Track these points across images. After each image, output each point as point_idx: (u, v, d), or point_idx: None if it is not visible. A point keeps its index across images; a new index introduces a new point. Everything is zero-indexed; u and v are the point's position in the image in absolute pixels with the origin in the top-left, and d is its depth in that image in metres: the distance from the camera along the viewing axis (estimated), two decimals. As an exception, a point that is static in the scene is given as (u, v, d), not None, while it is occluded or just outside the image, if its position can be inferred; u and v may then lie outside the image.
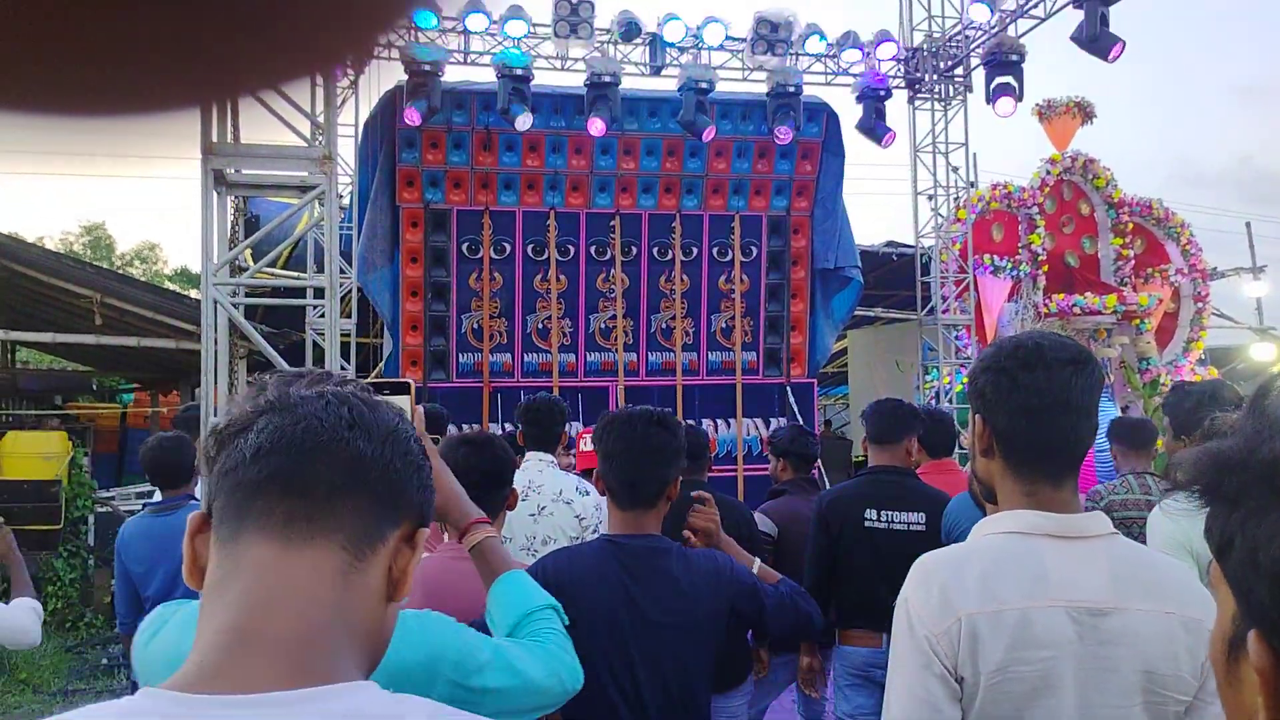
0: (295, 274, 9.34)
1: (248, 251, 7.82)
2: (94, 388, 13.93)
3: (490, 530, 1.68)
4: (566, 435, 4.35)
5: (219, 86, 0.48)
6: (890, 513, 3.68)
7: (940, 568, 1.51)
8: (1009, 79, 8.51)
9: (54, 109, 0.44)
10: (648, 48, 8.85)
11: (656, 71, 8.90)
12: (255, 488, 0.85)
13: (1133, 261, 12.34)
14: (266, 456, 0.86)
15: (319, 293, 8.00)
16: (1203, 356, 12.93)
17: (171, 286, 23.76)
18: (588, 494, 3.58)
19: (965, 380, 10.76)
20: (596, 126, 8.29)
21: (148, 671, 1.37)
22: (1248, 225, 20.07)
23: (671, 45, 8.77)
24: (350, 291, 9.25)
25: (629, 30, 8.58)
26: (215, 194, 5.20)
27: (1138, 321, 12.00)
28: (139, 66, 0.43)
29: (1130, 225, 12.36)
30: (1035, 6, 8.37)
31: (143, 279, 20.89)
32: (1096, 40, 7.35)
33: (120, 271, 21.62)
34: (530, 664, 1.47)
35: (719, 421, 9.55)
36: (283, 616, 0.82)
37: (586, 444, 4.42)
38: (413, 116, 8.04)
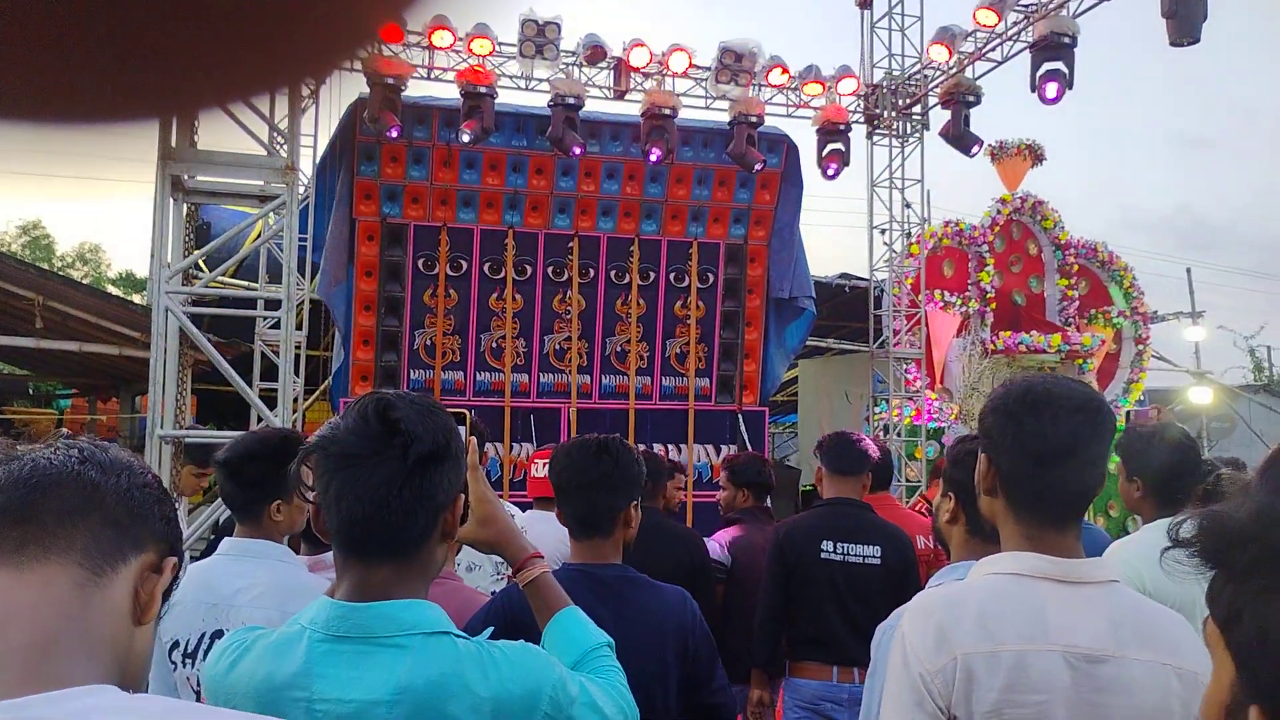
0: (246, 284, 9.19)
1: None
2: (30, 392, 13.55)
3: (544, 566, 1.67)
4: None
5: (181, 97, 0.47)
6: (847, 545, 3.70)
7: (938, 606, 1.50)
8: (959, 114, 8.70)
9: (12, 114, 0.43)
10: (612, 72, 8.88)
11: (620, 96, 8.93)
12: None
13: (1077, 302, 12.64)
14: None
15: (270, 304, 7.88)
16: (1141, 398, 13.24)
17: (114, 290, 23.20)
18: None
19: (935, 425, 10.93)
20: (576, 150, 8.29)
21: (230, 700, 1.35)
22: (1188, 271, 20.65)
23: (636, 70, 8.81)
24: (302, 303, 9.12)
25: (594, 54, 8.60)
26: (172, 200, 5.10)
27: (1080, 361, 12.26)
28: (101, 75, 0.42)
29: (1076, 267, 12.67)
30: (992, 50, 8.56)
31: (85, 282, 20.40)
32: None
33: (62, 274, 21.07)
34: (605, 700, 1.50)
35: (670, 447, 9.54)
36: (15, 630, 0.85)
37: (539, 469, 4.32)
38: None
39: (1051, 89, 7.33)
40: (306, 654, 1.32)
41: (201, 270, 7.56)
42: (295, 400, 6.79)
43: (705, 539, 4.25)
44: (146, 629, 0.95)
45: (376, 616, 1.32)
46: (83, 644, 0.87)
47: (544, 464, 4.32)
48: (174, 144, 4.96)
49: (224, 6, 0.41)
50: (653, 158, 8.56)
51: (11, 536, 0.89)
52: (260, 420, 5.78)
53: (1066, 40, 7.38)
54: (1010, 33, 8.28)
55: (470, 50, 8.35)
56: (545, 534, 3.30)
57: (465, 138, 8.12)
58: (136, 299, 18.84)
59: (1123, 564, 2.67)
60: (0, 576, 0.88)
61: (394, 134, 8.08)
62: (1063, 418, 1.50)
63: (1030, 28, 7.92)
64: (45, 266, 19.66)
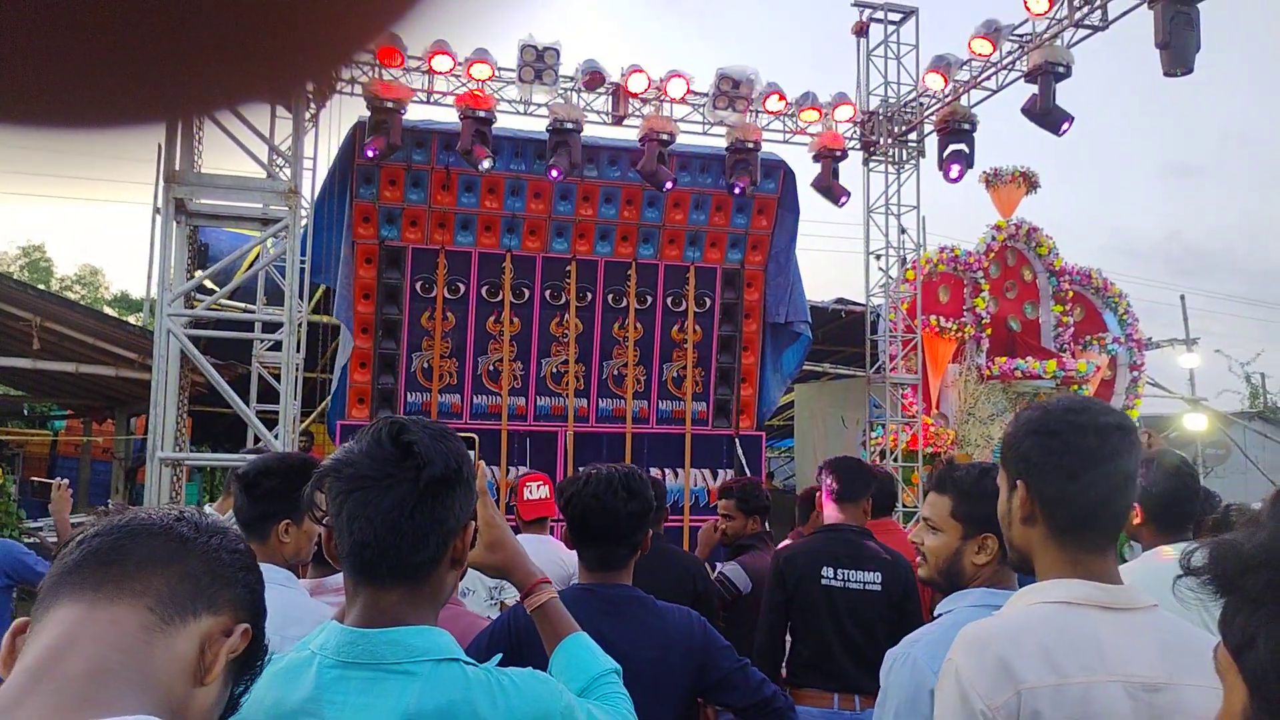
0: (244, 305, 9.19)
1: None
2: (25, 413, 13.50)
3: (553, 592, 1.68)
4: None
5: (181, 104, 0.48)
6: (847, 571, 3.69)
7: (996, 637, 1.45)
8: (961, 146, 8.75)
9: (13, 120, 0.43)
10: (610, 97, 8.95)
11: (618, 121, 8.99)
12: (75, 565, 0.94)
13: (1072, 329, 12.67)
14: (90, 540, 0.96)
15: (268, 326, 7.88)
16: (1137, 424, 13.25)
17: (110, 312, 23.17)
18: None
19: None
20: (555, 172, 8.33)
21: None
22: (1182, 298, 20.75)
23: (634, 96, 8.87)
24: (300, 325, 9.12)
25: (593, 79, 8.67)
26: (175, 223, 5.11)
27: (1076, 387, 12.27)
28: (102, 80, 0.42)
29: (1070, 293, 12.72)
30: (988, 79, 8.63)
31: (82, 304, 20.36)
32: (1049, 114, 7.59)
33: (60, 295, 21.05)
34: None
35: (667, 471, 9.53)
36: (75, 657, 0.87)
37: (532, 492, 4.29)
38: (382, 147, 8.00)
39: (1064, 125, 7.39)
40: (316, 679, 1.32)
41: (201, 292, 7.56)
42: (294, 421, 6.78)
43: (730, 563, 4.25)
44: (208, 692, 0.96)
45: (387, 643, 1.32)
46: (137, 681, 0.89)
47: (537, 486, 4.32)
48: (177, 167, 4.98)
49: (217, 9, 0.42)
50: (667, 187, 8.60)
51: (95, 575, 0.93)
52: (258, 441, 5.77)
53: (1061, 70, 7.45)
54: (1005, 61, 8.36)
55: (470, 75, 8.41)
56: (540, 558, 3.29)
57: (485, 165, 8.15)
58: (131, 320, 18.82)
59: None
60: (75, 609, 0.91)
61: (391, 156, 8.11)
62: (1106, 434, 1.49)
63: (1024, 57, 8.00)
64: (43, 289, 19.64)
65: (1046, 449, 1.52)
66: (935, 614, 2.06)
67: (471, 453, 1.54)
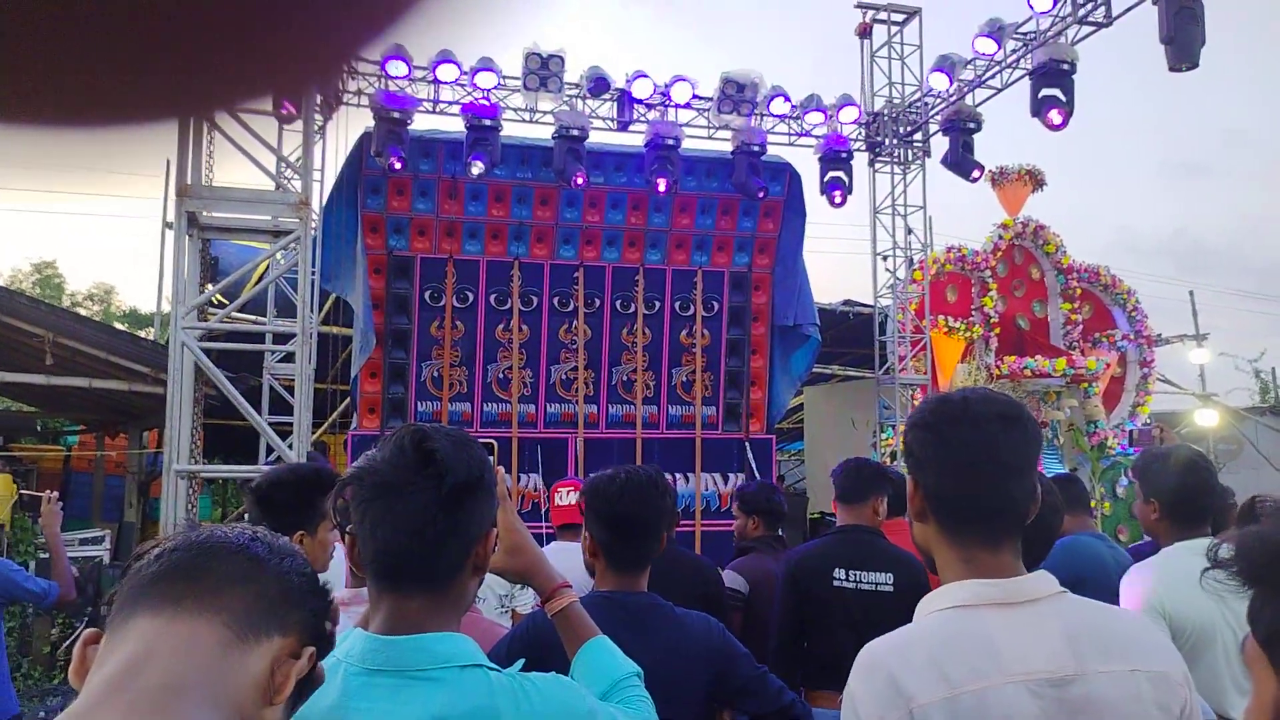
0: (254, 318, 9.23)
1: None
2: (38, 429, 13.57)
3: (574, 596, 1.69)
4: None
5: (188, 100, 0.48)
6: (859, 572, 3.69)
7: (885, 655, 1.40)
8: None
9: (25, 117, 0.44)
10: (615, 103, 8.97)
11: (624, 127, 9.02)
12: (154, 579, 0.96)
13: (1081, 326, 12.65)
14: (169, 555, 0.97)
15: (279, 337, 7.92)
16: (1148, 421, 13.22)
17: (120, 327, 23.28)
18: None
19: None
20: (580, 179, 8.35)
21: None
22: (1190, 294, 20.68)
23: (639, 102, 8.90)
24: (311, 336, 9.16)
25: (598, 86, 8.70)
26: (188, 236, 5.15)
27: (1086, 385, 12.25)
28: (109, 77, 0.43)
29: (1079, 291, 12.69)
30: (992, 78, 8.64)
31: (95, 320, 20.46)
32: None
33: (72, 311, 21.18)
34: None
35: (678, 476, 9.53)
36: (153, 670, 0.89)
37: (563, 498, 4.34)
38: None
39: (1056, 116, 7.39)
40: (343, 686, 1.33)
41: (213, 305, 7.60)
42: (308, 431, 6.80)
43: (727, 569, 4.25)
44: (274, 712, 0.98)
45: (411, 649, 1.33)
46: (211, 697, 0.91)
47: (568, 493, 4.34)
48: (189, 180, 5.02)
49: (222, 4, 0.42)
50: (661, 189, 8.63)
51: (175, 590, 0.95)
52: (271, 452, 5.80)
53: (1065, 67, 7.45)
54: (1009, 60, 8.37)
55: (475, 84, 8.45)
56: (573, 568, 3.30)
57: (475, 171, 8.19)
58: (143, 334, 18.91)
59: (1142, 586, 2.68)
60: (155, 622, 0.93)
61: (398, 166, 8.15)
62: (982, 425, 1.43)
63: (1029, 55, 8.00)
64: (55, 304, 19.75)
65: (925, 442, 1.48)
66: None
67: (491, 459, 1.55)
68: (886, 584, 3.70)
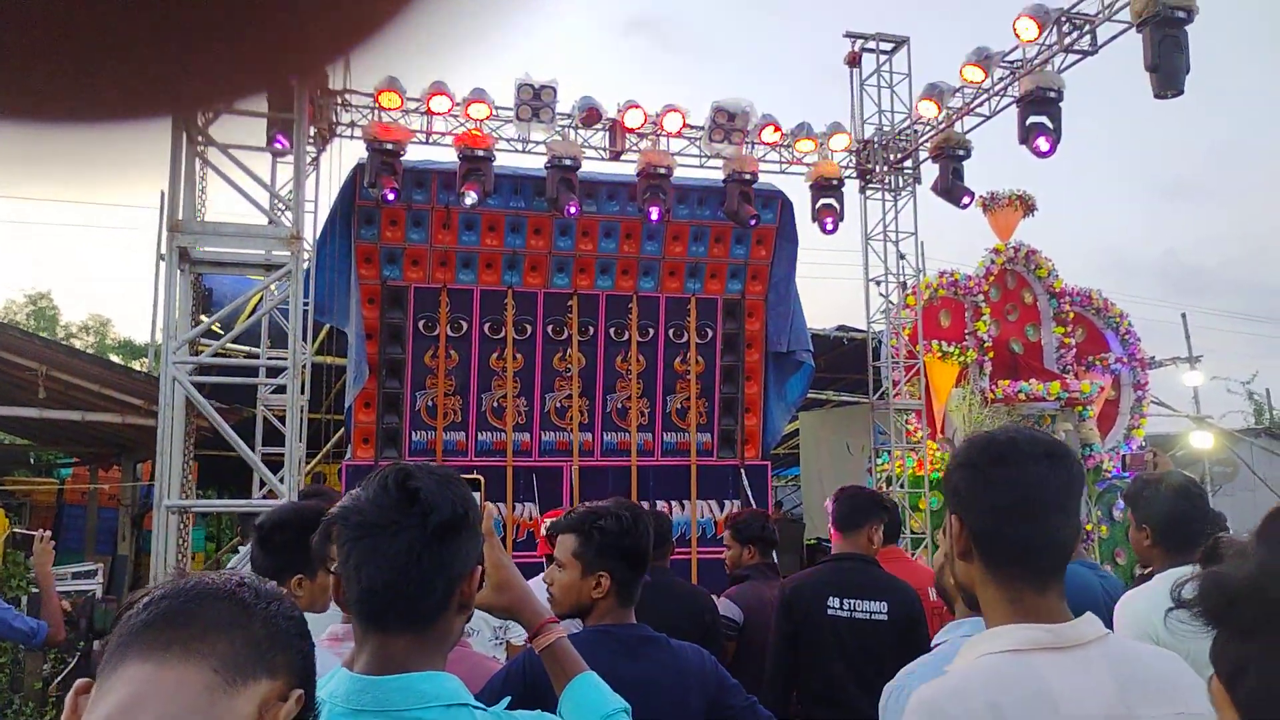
0: (248, 349, 9.23)
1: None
2: (31, 461, 13.51)
3: (561, 631, 1.70)
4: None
5: (176, 98, 0.48)
6: (853, 601, 3.69)
7: (945, 700, 1.40)
8: (954, 168, 8.85)
9: (15, 113, 0.44)
10: (607, 133, 9.03)
11: (616, 156, 9.07)
12: (143, 626, 0.97)
13: (1074, 350, 12.69)
14: (158, 603, 0.99)
15: (272, 370, 7.92)
16: (1142, 444, 13.24)
17: (114, 358, 23.26)
18: None
19: (939, 475, 10.86)
20: (572, 208, 8.39)
21: None
22: (1183, 316, 20.74)
23: (631, 131, 8.96)
24: (304, 367, 9.16)
25: (589, 116, 8.75)
26: (179, 271, 5.16)
27: (1080, 408, 12.27)
28: (97, 74, 0.43)
29: (1071, 314, 12.75)
30: (980, 105, 8.71)
31: (89, 351, 20.47)
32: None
33: (66, 344, 21.17)
34: None
35: (673, 503, 9.51)
36: (145, 715, 0.90)
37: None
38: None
39: (1043, 143, 7.45)
40: None
41: (207, 337, 7.61)
42: (300, 463, 6.80)
43: (716, 597, 4.24)
44: None
45: (396, 689, 1.33)
46: None
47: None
48: (180, 215, 5.04)
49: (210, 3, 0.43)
50: (653, 216, 8.67)
51: (163, 637, 0.96)
52: (264, 485, 5.78)
53: (1052, 95, 7.52)
54: (997, 88, 8.44)
55: (467, 114, 8.50)
56: None
57: (469, 200, 8.23)
58: (137, 365, 18.89)
59: (1135, 615, 2.68)
60: (145, 668, 0.95)
61: (391, 197, 8.19)
62: (1029, 465, 1.44)
63: (1016, 83, 8.07)
64: (49, 336, 19.74)
65: (970, 482, 1.48)
66: (933, 644, 2.07)
67: (477, 494, 1.55)
68: (881, 613, 3.69)
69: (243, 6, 0.43)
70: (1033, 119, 7.51)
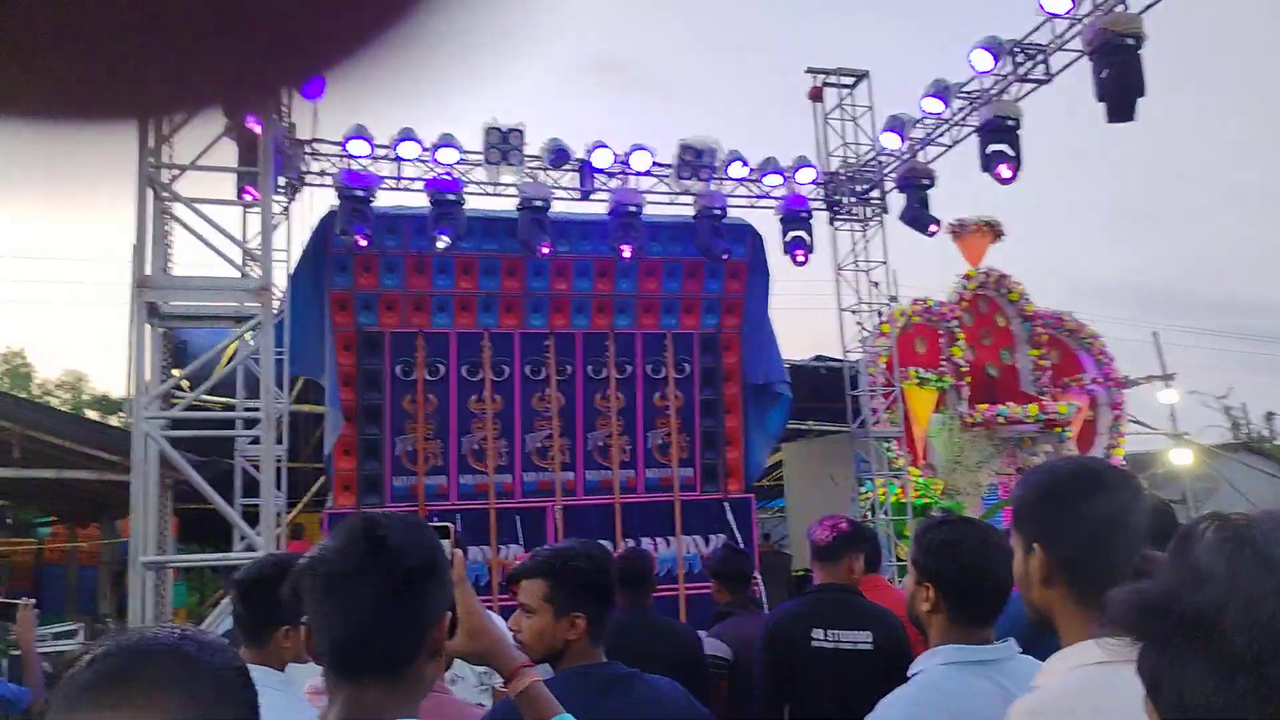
0: (223, 400, 9.19)
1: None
2: (8, 521, 13.34)
3: (536, 675, 1.69)
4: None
5: (147, 102, 0.49)
6: (837, 632, 3.68)
7: (1052, 707, 1.46)
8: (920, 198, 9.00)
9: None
10: (577, 173, 9.11)
11: (586, 196, 9.14)
12: (87, 686, 0.96)
13: (1050, 371, 12.80)
14: (101, 661, 0.98)
15: (249, 421, 7.88)
16: (1123, 463, 13.34)
17: (90, 414, 23.05)
18: None
19: (922, 502, 10.85)
20: (545, 249, 8.44)
21: None
22: (1155, 335, 20.96)
23: (600, 171, 9.04)
24: (281, 417, 9.12)
25: (558, 157, 8.84)
26: (148, 326, 5.16)
27: (1059, 430, 12.37)
28: (76, 73, 0.44)
29: (1045, 337, 12.88)
30: (941, 136, 8.86)
31: (64, 408, 20.28)
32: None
33: (40, 401, 20.95)
34: None
35: (658, 540, 9.49)
36: None
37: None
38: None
39: (1005, 170, 7.58)
40: None
41: (181, 390, 7.57)
42: (279, 515, 6.75)
43: (703, 635, 4.23)
44: None
45: None
46: None
47: None
48: (148, 270, 5.04)
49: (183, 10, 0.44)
50: (625, 254, 8.73)
51: (111, 695, 0.96)
52: (243, 539, 5.75)
53: (1010, 123, 7.66)
54: (957, 118, 8.59)
55: (436, 160, 8.56)
56: None
57: (441, 245, 8.26)
58: (113, 421, 18.72)
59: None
60: None
61: (364, 243, 8.22)
62: (1115, 494, 1.53)
63: (975, 113, 8.22)
64: (23, 395, 19.53)
65: (1059, 512, 1.56)
66: (909, 674, 2.08)
67: (446, 542, 1.56)
68: (865, 642, 3.69)
69: (210, 18, 0.44)
70: (993, 147, 7.65)
